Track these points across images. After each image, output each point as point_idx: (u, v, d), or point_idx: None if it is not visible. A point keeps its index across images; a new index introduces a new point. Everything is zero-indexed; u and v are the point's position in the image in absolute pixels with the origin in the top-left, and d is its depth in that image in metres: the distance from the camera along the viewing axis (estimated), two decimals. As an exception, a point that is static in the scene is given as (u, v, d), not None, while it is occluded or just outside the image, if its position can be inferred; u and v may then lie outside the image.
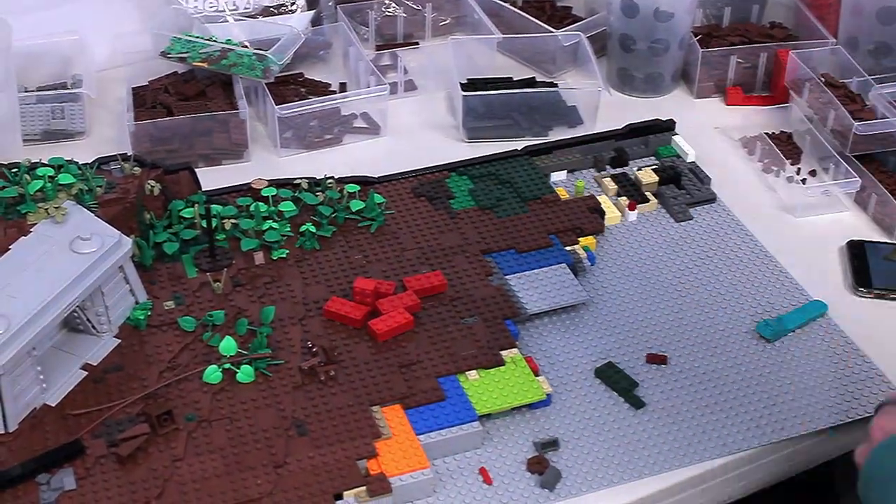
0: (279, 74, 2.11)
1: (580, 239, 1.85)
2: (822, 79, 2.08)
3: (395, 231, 1.84)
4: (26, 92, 2.09)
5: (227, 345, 1.61)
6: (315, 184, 1.90)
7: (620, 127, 2.06)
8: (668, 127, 2.07)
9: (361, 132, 2.11)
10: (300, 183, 1.89)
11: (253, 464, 1.47)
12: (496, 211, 1.89)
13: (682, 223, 1.92)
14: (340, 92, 2.17)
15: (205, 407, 1.55)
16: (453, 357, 1.62)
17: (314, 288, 1.73)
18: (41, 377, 1.55)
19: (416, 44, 2.32)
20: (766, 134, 2.10)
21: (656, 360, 1.67)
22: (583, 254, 1.82)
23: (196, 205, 1.82)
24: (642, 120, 2.08)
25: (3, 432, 1.51)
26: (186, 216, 1.82)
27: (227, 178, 1.94)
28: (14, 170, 1.81)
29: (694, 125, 2.13)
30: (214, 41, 2.10)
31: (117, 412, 1.54)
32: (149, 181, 1.80)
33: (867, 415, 1.59)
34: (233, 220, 1.82)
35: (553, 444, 1.54)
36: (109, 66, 2.19)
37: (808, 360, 1.68)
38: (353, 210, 1.86)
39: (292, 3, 2.23)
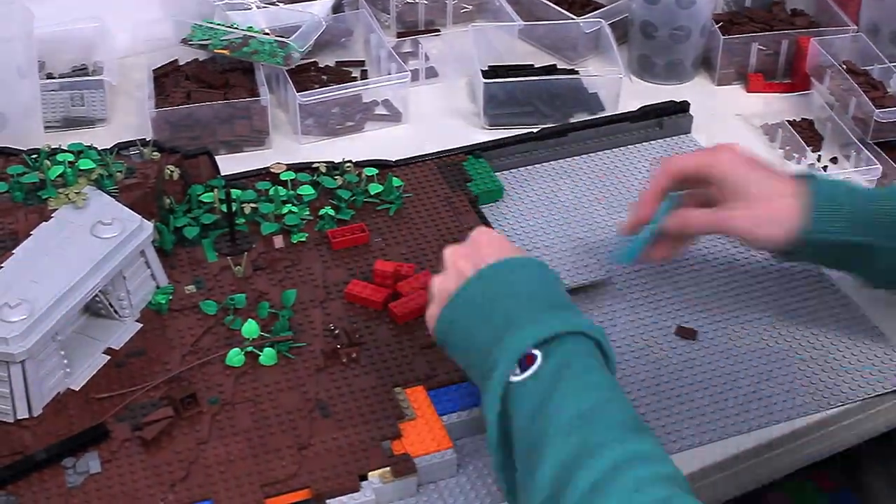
0: (301, 62, 2.11)
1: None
2: (844, 66, 2.07)
3: (413, 214, 1.84)
4: (49, 79, 2.09)
5: (250, 328, 1.61)
6: (333, 167, 1.90)
7: (635, 109, 2.06)
8: (682, 108, 2.07)
9: (383, 119, 2.11)
10: (318, 167, 1.89)
11: (277, 445, 1.47)
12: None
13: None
14: (361, 79, 2.17)
15: (228, 390, 1.54)
16: (474, 338, 1.62)
17: (334, 271, 1.73)
18: (65, 362, 1.55)
19: (438, 31, 2.32)
20: (788, 121, 2.10)
21: (685, 333, 1.67)
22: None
23: (216, 189, 1.82)
24: (657, 101, 2.08)
25: (28, 417, 1.51)
26: (206, 201, 1.82)
27: (248, 166, 1.93)
28: (34, 156, 1.81)
29: (715, 112, 2.13)
30: (236, 28, 2.11)
31: (141, 396, 1.54)
32: (168, 166, 1.80)
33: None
34: (252, 205, 1.82)
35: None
36: (130, 54, 2.19)
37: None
38: (372, 193, 1.86)
39: (314, -9, 2.24)
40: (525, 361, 1.27)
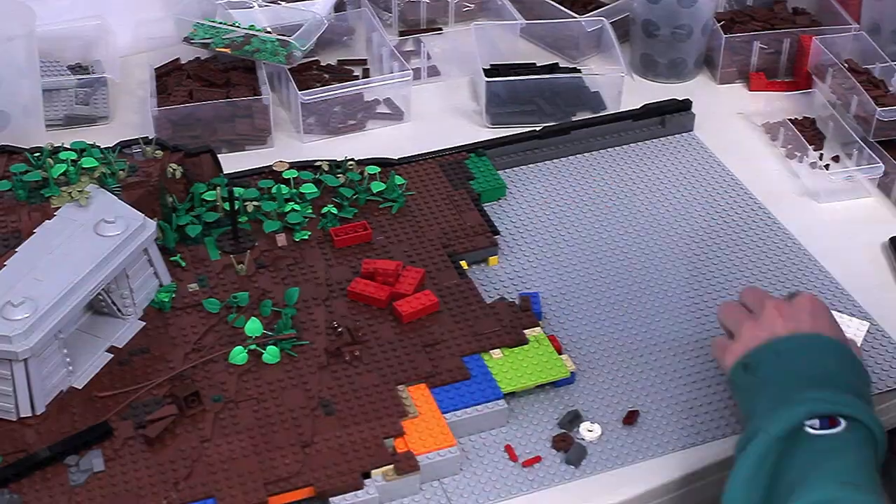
0: (302, 60, 2.12)
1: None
2: (846, 64, 2.07)
3: (416, 212, 1.84)
4: (52, 77, 2.09)
5: (253, 326, 1.61)
6: (336, 166, 1.90)
7: (637, 107, 2.06)
8: (684, 107, 2.08)
9: (385, 118, 2.11)
10: (321, 165, 1.89)
11: (280, 443, 1.47)
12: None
13: (706, 207, 1.92)
14: (363, 78, 2.17)
15: (231, 388, 1.55)
16: (477, 336, 1.62)
17: (337, 269, 1.73)
18: (67, 360, 1.55)
19: (440, 29, 2.32)
20: (789, 119, 2.09)
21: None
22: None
23: (218, 187, 1.82)
24: (659, 100, 2.09)
25: (31, 415, 1.51)
26: (208, 199, 1.82)
27: (250, 164, 1.93)
28: (37, 154, 1.81)
29: (717, 111, 2.13)
30: (237, 27, 2.11)
31: (144, 394, 1.54)
32: (171, 164, 1.80)
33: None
34: (255, 203, 1.82)
35: (578, 420, 1.54)
36: (132, 52, 2.19)
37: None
38: (374, 191, 1.86)
39: (315, -11, 2.24)
40: (828, 422, 1.32)
